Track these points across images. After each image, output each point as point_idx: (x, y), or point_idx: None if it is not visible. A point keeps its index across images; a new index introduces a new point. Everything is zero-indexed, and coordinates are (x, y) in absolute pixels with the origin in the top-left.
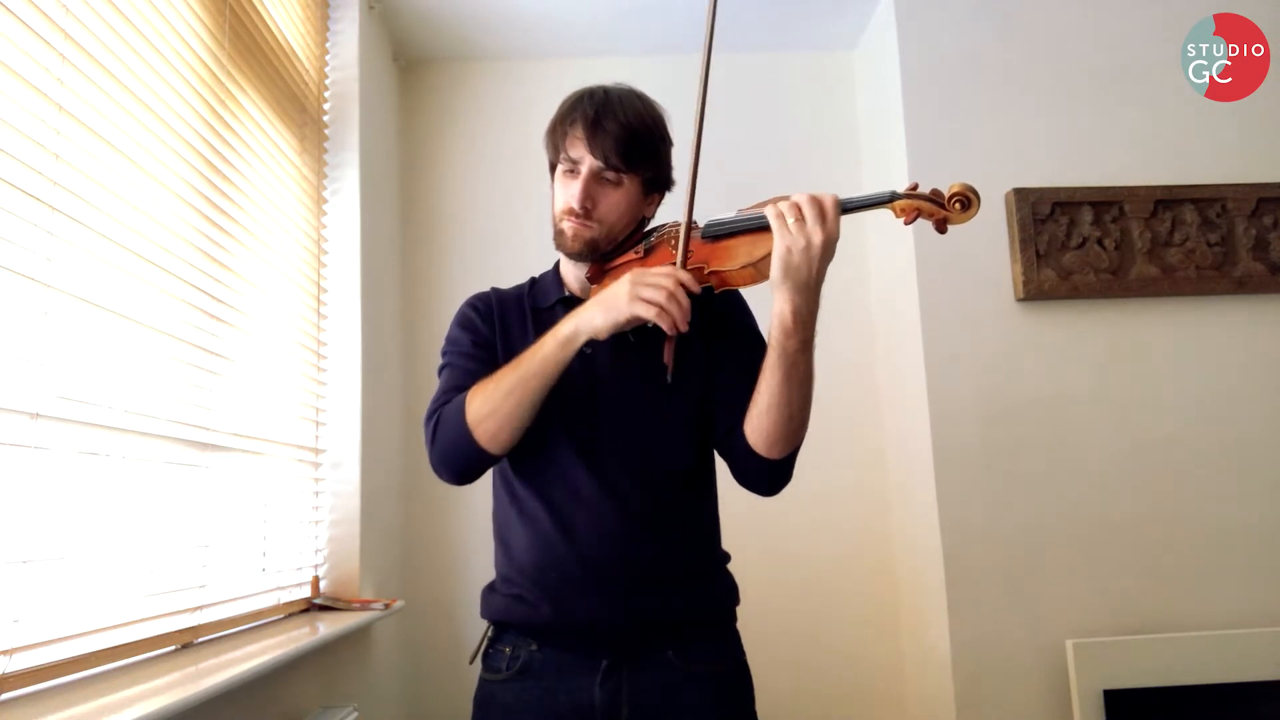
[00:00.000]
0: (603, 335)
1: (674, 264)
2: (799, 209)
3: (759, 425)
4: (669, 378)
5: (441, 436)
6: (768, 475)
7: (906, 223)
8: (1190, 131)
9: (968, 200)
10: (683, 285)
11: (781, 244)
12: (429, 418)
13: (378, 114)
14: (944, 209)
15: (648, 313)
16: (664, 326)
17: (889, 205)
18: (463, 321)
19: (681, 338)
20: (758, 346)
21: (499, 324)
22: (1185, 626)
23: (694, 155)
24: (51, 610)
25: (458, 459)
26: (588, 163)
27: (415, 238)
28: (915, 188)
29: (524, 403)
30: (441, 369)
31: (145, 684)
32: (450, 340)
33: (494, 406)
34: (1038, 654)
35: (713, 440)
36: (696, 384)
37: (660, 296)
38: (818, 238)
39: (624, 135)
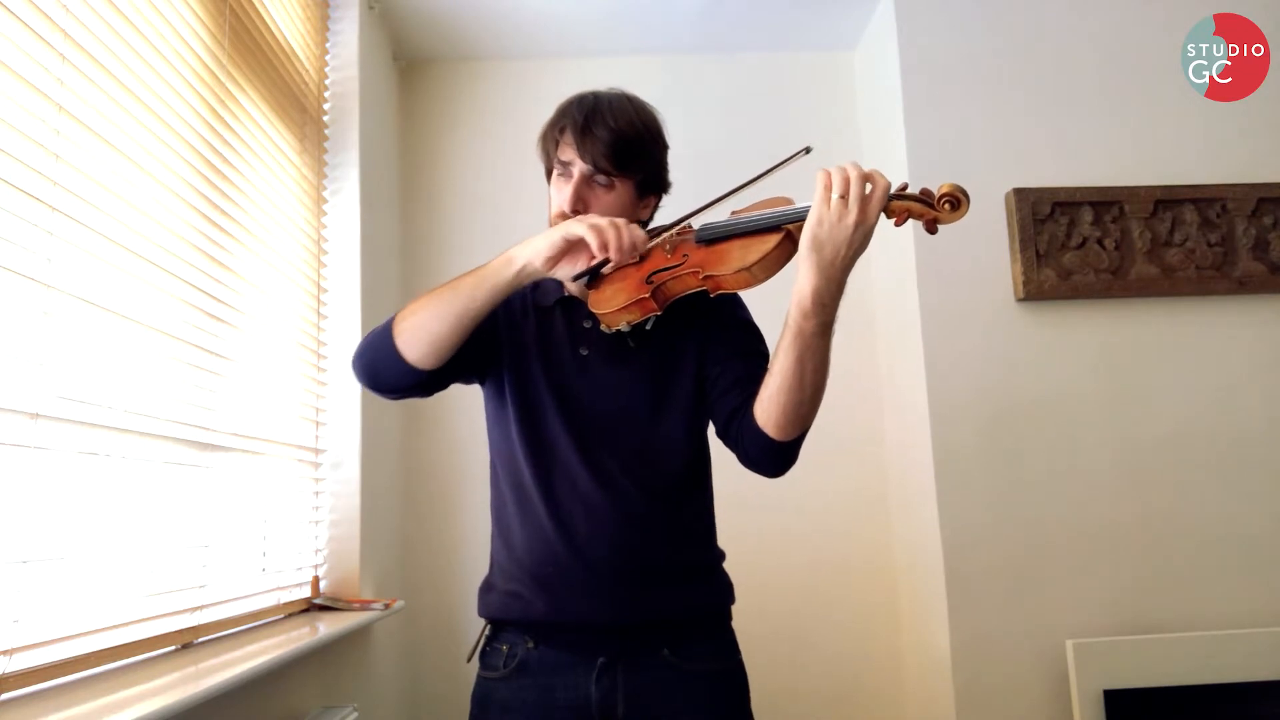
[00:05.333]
0: (539, 260)
1: (669, 266)
2: (846, 183)
3: (769, 407)
4: (585, 281)
5: (370, 332)
6: (774, 458)
7: (897, 224)
8: (1190, 131)
9: (957, 200)
10: (633, 241)
11: (816, 212)
12: None
13: (378, 114)
14: (933, 209)
15: (580, 228)
16: (592, 243)
17: None
18: None
19: (676, 336)
20: (753, 335)
21: (503, 307)
22: (1185, 626)
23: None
24: (51, 610)
25: (370, 351)
26: (578, 166)
27: (415, 238)
28: (904, 188)
29: (449, 308)
30: None
31: (145, 684)
32: None
33: (421, 305)
34: (1038, 654)
35: (716, 429)
36: (692, 383)
37: (603, 222)
38: (850, 218)
39: (613, 140)
